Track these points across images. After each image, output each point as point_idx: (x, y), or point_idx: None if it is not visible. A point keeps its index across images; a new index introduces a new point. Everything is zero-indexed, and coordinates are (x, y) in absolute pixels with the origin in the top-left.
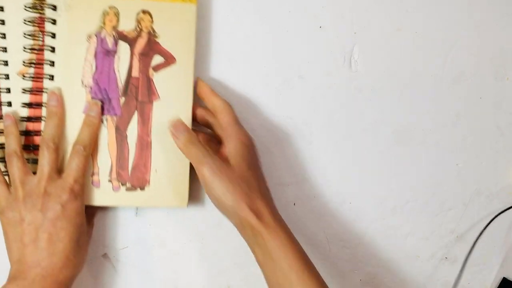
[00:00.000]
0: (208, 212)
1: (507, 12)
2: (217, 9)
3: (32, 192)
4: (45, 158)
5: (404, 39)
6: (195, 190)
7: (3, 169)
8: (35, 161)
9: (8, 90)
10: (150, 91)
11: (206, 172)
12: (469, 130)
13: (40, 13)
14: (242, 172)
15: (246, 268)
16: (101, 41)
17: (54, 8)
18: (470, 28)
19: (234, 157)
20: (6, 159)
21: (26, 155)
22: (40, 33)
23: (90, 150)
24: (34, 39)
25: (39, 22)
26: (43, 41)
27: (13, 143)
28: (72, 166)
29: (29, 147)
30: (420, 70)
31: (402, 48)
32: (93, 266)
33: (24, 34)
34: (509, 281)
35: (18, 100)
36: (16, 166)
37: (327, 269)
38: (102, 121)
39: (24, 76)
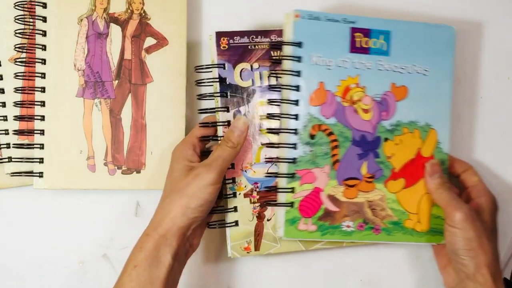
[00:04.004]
0: None
1: (507, 12)
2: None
3: None
4: None
5: None
6: None
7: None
8: (29, 146)
9: (1, 77)
10: (143, 73)
11: (459, 217)
12: (469, 130)
13: None
14: (489, 228)
15: (246, 268)
16: (92, 24)
17: None
18: (470, 28)
19: (486, 212)
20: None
21: (20, 140)
22: (31, 18)
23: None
24: (24, 24)
25: (30, 6)
26: (34, 25)
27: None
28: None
29: (23, 132)
30: None
31: None
32: (93, 266)
33: (15, 18)
34: (509, 281)
35: (11, 85)
36: None
37: (327, 269)
38: (96, 104)
39: (16, 61)
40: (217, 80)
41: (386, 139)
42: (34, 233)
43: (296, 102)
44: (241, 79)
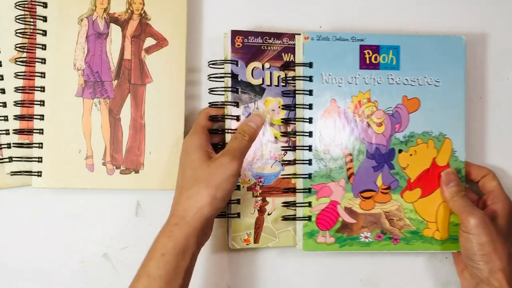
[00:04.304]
0: None
1: (507, 12)
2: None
3: None
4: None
5: None
6: None
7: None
8: (29, 146)
9: (1, 78)
10: (143, 74)
11: (473, 222)
12: (469, 130)
13: None
14: (504, 233)
15: (246, 268)
16: (93, 24)
17: None
18: (470, 28)
19: (501, 217)
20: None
21: (20, 139)
22: (31, 17)
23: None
24: (25, 23)
25: (30, 6)
26: (34, 25)
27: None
28: None
29: (23, 132)
30: None
31: None
32: (94, 266)
33: (15, 18)
34: None
35: (11, 85)
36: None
37: (327, 269)
38: (95, 104)
39: (16, 61)
40: (230, 75)
41: (400, 151)
42: (34, 233)
43: (309, 120)
44: (252, 77)
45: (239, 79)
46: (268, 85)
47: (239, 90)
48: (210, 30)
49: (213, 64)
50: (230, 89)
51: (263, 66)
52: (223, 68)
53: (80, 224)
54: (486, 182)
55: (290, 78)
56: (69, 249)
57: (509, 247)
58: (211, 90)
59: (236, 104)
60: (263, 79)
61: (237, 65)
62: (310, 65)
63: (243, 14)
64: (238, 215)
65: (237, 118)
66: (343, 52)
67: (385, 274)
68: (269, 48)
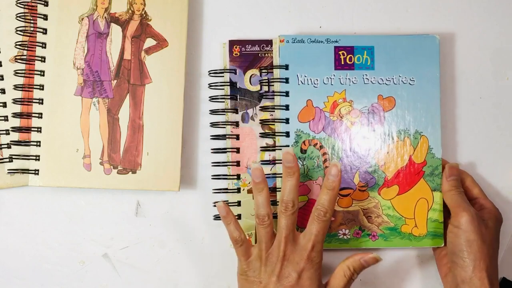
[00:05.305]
0: (202, 205)
1: (507, 12)
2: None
3: (272, 256)
4: (284, 221)
5: None
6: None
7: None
8: (27, 144)
9: (1, 78)
10: (142, 74)
11: (466, 218)
12: (469, 130)
13: None
14: (492, 236)
15: None
16: (93, 23)
17: None
18: (470, 28)
19: (492, 220)
20: (256, 220)
21: (21, 139)
22: (31, 16)
23: (331, 215)
24: (26, 22)
25: (31, 4)
26: (35, 23)
27: (264, 205)
28: (312, 231)
29: (21, 129)
30: None
31: None
32: (94, 266)
33: (16, 16)
34: (508, 281)
35: (11, 83)
36: (265, 230)
37: (326, 269)
38: (94, 103)
39: (16, 59)
40: (228, 84)
41: (376, 149)
42: (34, 233)
43: (286, 121)
44: (250, 84)
45: (238, 87)
46: (266, 91)
47: (238, 97)
48: (210, 33)
49: (213, 73)
50: (229, 96)
51: (260, 72)
52: (223, 76)
53: (80, 224)
54: (467, 189)
55: (271, 80)
56: (69, 249)
57: (495, 250)
58: (211, 98)
59: (235, 111)
60: (260, 85)
61: (235, 73)
62: (286, 67)
63: (244, 17)
64: (239, 216)
65: (237, 124)
66: (318, 54)
67: (385, 274)
68: (266, 55)
